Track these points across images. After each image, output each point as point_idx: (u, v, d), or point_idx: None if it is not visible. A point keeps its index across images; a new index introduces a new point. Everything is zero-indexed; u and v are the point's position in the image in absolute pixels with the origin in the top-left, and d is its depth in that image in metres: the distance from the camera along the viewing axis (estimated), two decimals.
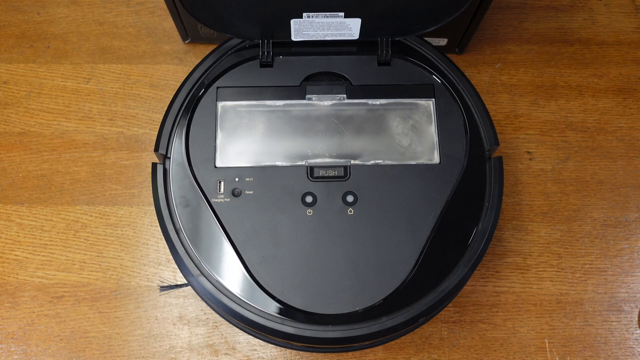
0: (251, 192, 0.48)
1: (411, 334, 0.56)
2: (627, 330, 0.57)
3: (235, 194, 0.49)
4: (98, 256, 0.59)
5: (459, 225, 0.48)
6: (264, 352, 0.56)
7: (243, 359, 0.56)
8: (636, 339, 0.57)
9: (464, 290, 0.58)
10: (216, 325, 0.56)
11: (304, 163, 0.50)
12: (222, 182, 0.49)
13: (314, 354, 0.56)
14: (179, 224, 0.48)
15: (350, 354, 0.56)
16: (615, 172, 0.62)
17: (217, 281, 0.46)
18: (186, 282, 0.48)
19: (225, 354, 0.56)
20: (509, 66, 0.66)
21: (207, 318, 0.56)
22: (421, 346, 0.56)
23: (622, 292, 0.58)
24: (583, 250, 0.59)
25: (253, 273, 0.46)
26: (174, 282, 0.57)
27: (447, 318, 0.57)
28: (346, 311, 0.45)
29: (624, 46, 0.67)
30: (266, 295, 0.46)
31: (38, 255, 0.59)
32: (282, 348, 0.56)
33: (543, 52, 0.67)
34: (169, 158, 0.49)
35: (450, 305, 0.57)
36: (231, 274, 0.46)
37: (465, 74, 0.66)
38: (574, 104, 0.65)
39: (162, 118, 0.51)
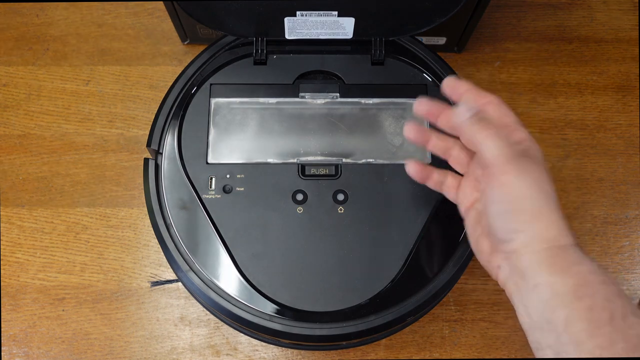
0: (242, 188, 0.49)
1: (412, 332, 0.56)
2: None
3: (226, 190, 0.49)
4: (99, 258, 0.59)
5: (449, 225, 0.48)
6: (265, 353, 0.56)
7: None
8: None
9: (464, 289, 0.58)
10: (217, 326, 0.56)
11: (295, 161, 0.50)
12: (214, 179, 0.49)
13: (315, 353, 0.56)
14: (170, 219, 0.48)
15: (351, 352, 0.56)
16: (615, 170, 0.62)
17: (207, 277, 0.46)
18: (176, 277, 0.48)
19: (227, 354, 0.56)
20: (508, 64, 0.66)
21: (209, 319, 0.57)
22: (423, 345, 0.56)
23: (623, 290, 0.58)
24: (584, 248, 0.59)
25: (242, 270, 0.46)
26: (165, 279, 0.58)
27: (448, 317, 0.57)
28: (335, 309, 0.46)
29: (623, 43, 0.67)
30: (255, 292, 0.46)
31: (39, 257, 0.59)
32: (283, 348, 0.56)
33: (542, 50, 0.67)
34: (161, 154, 0.50)
35: (451, 304, 0.57)
36: (220, 270, 0.47)
37: (465, 72, 0.66)
38: (573, 101, 0.65)
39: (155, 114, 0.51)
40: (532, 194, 0.35)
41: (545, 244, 0.34)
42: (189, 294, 0.56)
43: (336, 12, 0.50)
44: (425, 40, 0.63)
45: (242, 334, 0.55)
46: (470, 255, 0.47)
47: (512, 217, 0.35)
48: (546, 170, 0.36)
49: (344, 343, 0.48)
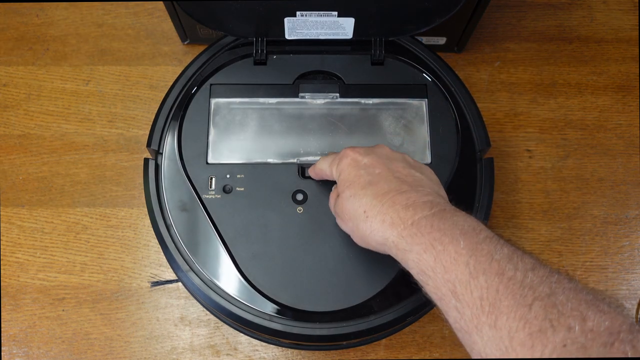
0: (242, 188, 0.49)
1: (412, 332, 0.56)
2: None
3: (226, 190, 0.49)
4: (99, 258, 0.59)
5: None
6: (265, 353, 0.56)
7: None
8: None
9: None
10: (217, 326, 0.56)
11: (295, 161, 0.50)
12: (214, 179, 0.49)
13: (315, 353, 0.56)
14: (170, 219, 0.48)
15: (352, 352, 0.56)
16: (615, 170, 0.62)
17: (206, 277, 0.46)
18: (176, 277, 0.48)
19: (227, 354, 0.56)
20: (508, 64, 0.66)
21: (209, 319, 0.57)
22: (423, 345, 0.56)
23: (623, 290, 0.58)
24: (584, 248, 0.59)
25: (242, 270, 0.46)
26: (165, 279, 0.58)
27: None
28: (335, 309, 0.46)
29: (623, 43, 0.67)
30: (255, 292, 0.46)
31: (39, 257, 0.59)
32: (283, 348, 0.56)
33: (542, 50, 0.67)
34: (161, 154, 0.50)
35: None
36: (220, 270, 0.47)
37: (465, 72, 0.66)
38: (573, 101, 0.65)
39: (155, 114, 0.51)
40: None
41: None
42: (189, 294, 0.56)
43: (336, 13, 0.50)
44: (425, 40, 0.63)
45: (242, 334, 0.55)
46: None
47: None
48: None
49: (344, 343, 0.48)
